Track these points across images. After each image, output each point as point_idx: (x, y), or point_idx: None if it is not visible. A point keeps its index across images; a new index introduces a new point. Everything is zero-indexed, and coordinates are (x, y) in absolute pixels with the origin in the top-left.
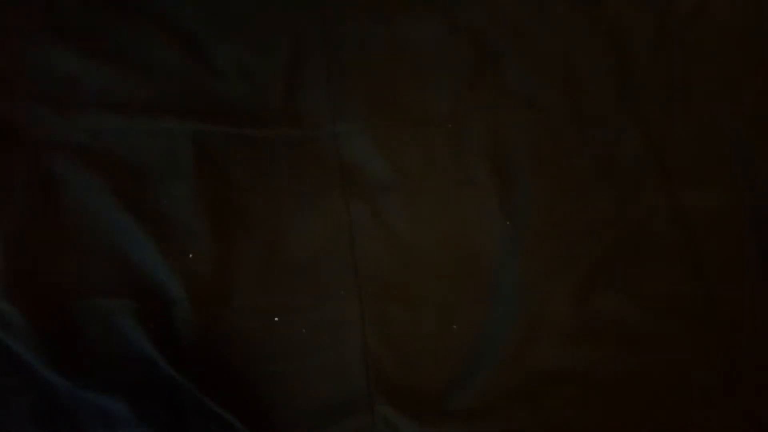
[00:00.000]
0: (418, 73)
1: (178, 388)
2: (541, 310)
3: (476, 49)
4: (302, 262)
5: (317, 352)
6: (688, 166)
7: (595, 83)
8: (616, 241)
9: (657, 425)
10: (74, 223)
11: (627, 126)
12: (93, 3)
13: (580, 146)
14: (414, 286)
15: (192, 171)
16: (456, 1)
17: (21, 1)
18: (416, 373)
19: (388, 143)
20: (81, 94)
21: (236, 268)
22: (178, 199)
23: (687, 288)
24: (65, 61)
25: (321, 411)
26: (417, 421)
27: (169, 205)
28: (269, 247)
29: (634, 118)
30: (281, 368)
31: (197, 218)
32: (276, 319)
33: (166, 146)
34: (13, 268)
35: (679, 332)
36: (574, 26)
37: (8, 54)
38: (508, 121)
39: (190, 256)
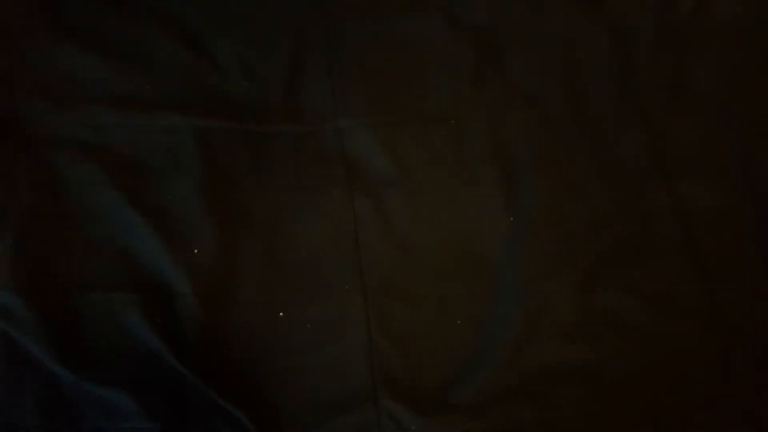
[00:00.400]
0: (420, 70)
1: (182, 381)
2: (543, 306)
3: (478, 46)
4: (306, 258)
5: (321, 347)
6: (689, 165)
7: (596, 82)
8: (617, 238)
9: (657, 422)
10: (79, 219)
11: (628, 124)
12: (96, 2)
13: (582, 144)
14: (417, 282)
15: (195, 167)
16: None
17: (24, 1)
18: (419, 368)
19: (390, 140)
20: (83, 90)
21: (241, 263)
22: (181, 194)
23: (687, 286)
24: (68, 58)
25: (325, 405)
26: (420, 416)
27: (173, 200)
28: (273, 242)
29: (635, 116)
30: (285, 363)
31: (201, 213)
32: (280, 314)
33: (169, 142)
34: (19, 262)
35: (680, 330)
36: (575, 24)
37: (10, 52)
38: (510, 119)
39: (195, 251)
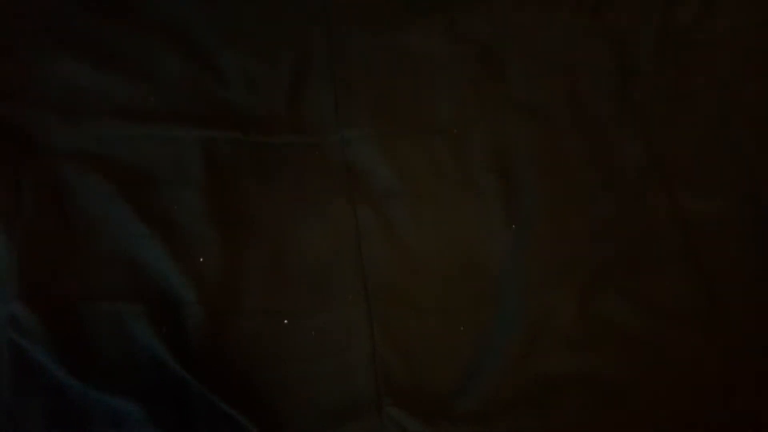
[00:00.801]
0: (422, 81)
1: (189, 390)
2: (545, 314)
3: (479, 56)
4: (310, 267)
5: (326, 355)
6: (690, 173)
7: (597, 91)
8: (619, 247)
9: (660, 429)
10: (86, 229)
11: (629, 133)
12: (101, 13)
13: (583, 152)
14: (420, 291)
15: (200, 177)
16: (459, 9)
17: (30, 13)
18: (423, 376)
19: (393, 150)
20: (90, 102)
21: (246, 272)
22: (187, 204)
23: (689, 294)
24: (74, 70)
25: (329, 413)
26: (424, 424)
27: (179, 210)
28: (278, 251)
29: (636, 125)
30: (290, 371)
31: (207, 224)
32: (285, 322)
33: (174, 153)
34: (27, 273)
35: (681, 337)
36: (576, 35)
37: (18, 64)
38: (512, 128)
39: (201, 260)
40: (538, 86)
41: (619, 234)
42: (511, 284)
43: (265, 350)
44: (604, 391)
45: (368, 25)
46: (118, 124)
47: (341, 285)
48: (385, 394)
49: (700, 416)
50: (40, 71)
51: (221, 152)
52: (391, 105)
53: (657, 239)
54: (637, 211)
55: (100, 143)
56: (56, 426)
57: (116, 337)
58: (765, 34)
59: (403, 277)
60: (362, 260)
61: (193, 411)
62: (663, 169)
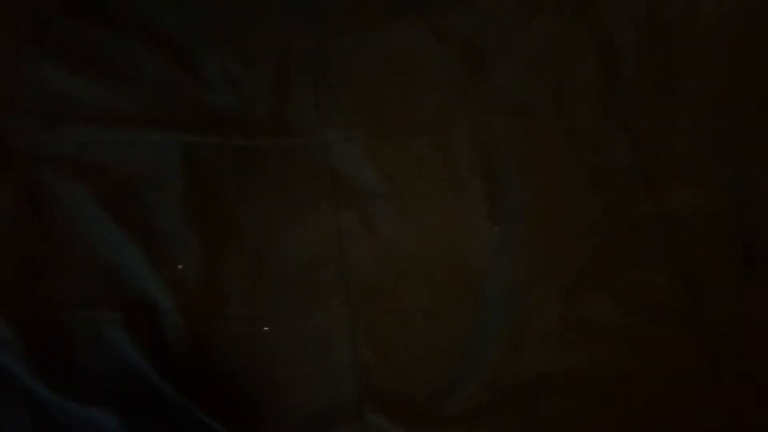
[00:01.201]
0: (406, 81)
1: (168, 399)
2: (530, 314)
3: (464, 56)
4: (292, 271)
5: (307, 361)
6: (675, 171)
7: (582, 89)
8: (604, 245)
9: (646, 427)
10: (63, 236)
11: (614, 131)
12: (81, 16)
13: (568, 151)
14: (403, 294)
15: (181, 182)
16: (443, 9)
17: (9, 16)
18: (406, 381)
19: (376, 151)
20: (69, 106)
21: (226, 278)
22: (167, 209)
23: (675, 292)
24: (53, 73)
25: (311, 419)
26: (408, 429)
27: (158, 216)
28: (259, 256)
29: (621, 123)
30: (271, 377)
31: (186, 229)
32: (265, 328)
33: (155, 157)
34: (1, 280)
35: (667, 335)
36: (561, 33)
37: None
38: (496, 128)
39: (180, 266)
40: (522, 85)
41: (604, 232)
42: (495, 285)
43: (246, 357)
44: (589, 390)
45: (352, 26)
46: (97, 128)
47: (323, 289)
48: (367, 400)
49: (685, 414)
50: (18, 75)
51: (202, 156)
52: (375, 106)
53: (643, 237)
54: (622, 209)
55: (78, 148)
56: None
57: (94, 346)
58: (750, 29)
59: (386, 279)
60: (345, 263)
61: (173, 420)
62: (648, 166)
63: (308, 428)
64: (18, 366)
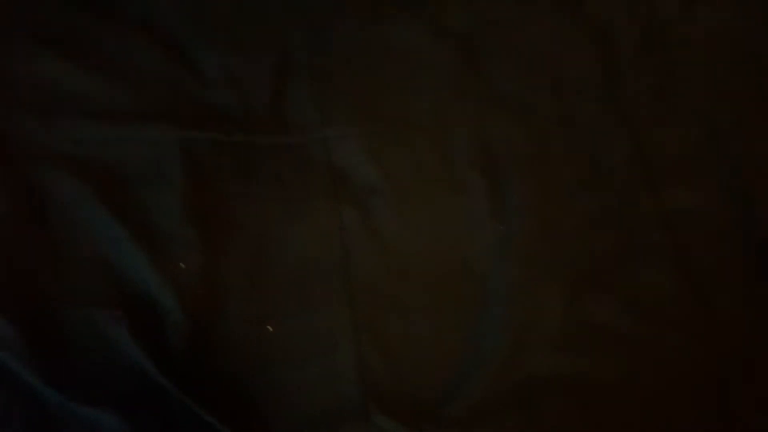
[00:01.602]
0: (405, 78)
1: (170, 398)
2: (532, 315)
3: (463, 53)
4: (294, 270)
5: (310, 361)
6: (676, 170)
7: (581, 88)
8: (605, 246)
9: (647, 429)
10: (62, 233)
11: (614, 129)
12: (78, 12)
13: (568, 150)
14: (405, 293)
15: (180, 179)
16: (442, 5)
17: (7, 11)
18: (410, 381)
19: (376, 149)
20: (66, 102)
21: (227, 277)
22: (166, 207)
23: (676, 292)
24: (50, 69)
25: (315, 420)
26: (411, 429)
27: (158, 213)
28: (260, 254)
29: (621, 123)
30: (274, 377)
31: (187, 227)
32: (268, 327)
33: (153, 154)
34: (1, 278)
35: (670, 337)
36: (560, 31)
37: None
38: (496, 126)
39: (181, 265)
40: (521, 83)
41: (605, 233)
42: (497, 285)
43: (247, 356)
44: (591, 392)
45: (350, 22)
46: (95, 124)
47: (325, 287)
48: (371, 400)
49: (689, 417)
50: (15, 71)
51: (201, 153)
52: (374, 103)
53: (644, 238)
54: (623, 209)
55: (76, 144)
56: None
57: (95, 345)
58: (749, 29)
59: (388, 278)
60: (346, 262)
61: (174, 420)
62: (648, 166)
63: (311, 429)
64: (19, 364)
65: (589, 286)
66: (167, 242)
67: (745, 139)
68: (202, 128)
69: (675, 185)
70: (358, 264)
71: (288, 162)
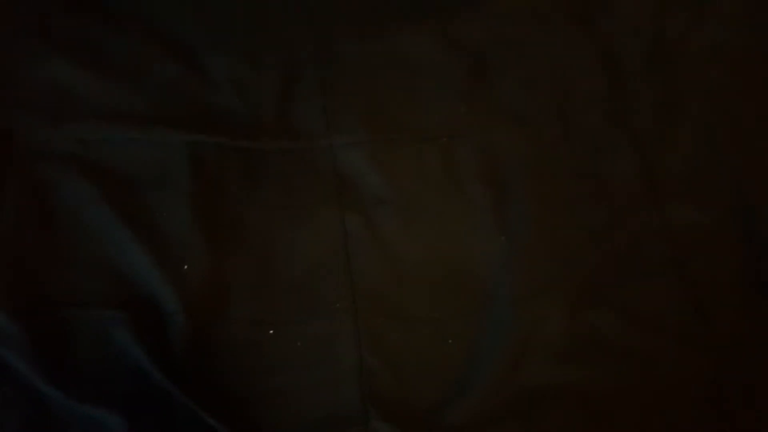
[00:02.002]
0: (412, 87)
1: (172, 400)
2: (534, 325)
3: (470, 64)
4: (297, 275)
5: (311, 366)
6: (680, 184)
7: (587, 102)
8: (608, 257)
9: None
10: (68, 233)
11: (619, 144)
12: (87, 14)
13: (573, 163)
14: (408, 301)
15: (186, 182)
16: (451, 16)
17: (15, 13)
18: (410, 388)
19: (382, 157)
20: (75, 104)
21: (231, 281)
22: (172, 210)
23: (677, 305)
24: (59, 71)
25: (315, 425)
26: None
27: (164, 216)
28: (264, 259)
29: (625, 137)
30: (275, 381)
31: (192, 230)
32: (271, 331)
33: (160, 157)
34: (6, 278)
35: (670, 349)
36: (568, 45)
37: (1, 66)
38: (502, 137)
39: (185, 267)
40: (529, 96)
41: (608, 245)
42: (499, 295)
43: (250, 360)
44: (592, 404)
45: (359, 30)
46: (102, 126)
47: (328, 294)
48: (372, 406)
49: (688, 428)
50: (23, 73)
51: (208, 157)
52: (381, 112)
53: (646, 251)
54: (626, 223)
55: (83, 146)
56: None
57: (98, 345)
58: (753, 46)
59: (391, 287)
60: (350, 269)
61: (176, 422)
62: (652, 180)
63: None
64: (21, 363)
65: (590, 298)
66: (171, 245)
67: (748, 156)
68: (209, 132)
69: (677, 200)
70: (361, 271)
71: (293, 168)
